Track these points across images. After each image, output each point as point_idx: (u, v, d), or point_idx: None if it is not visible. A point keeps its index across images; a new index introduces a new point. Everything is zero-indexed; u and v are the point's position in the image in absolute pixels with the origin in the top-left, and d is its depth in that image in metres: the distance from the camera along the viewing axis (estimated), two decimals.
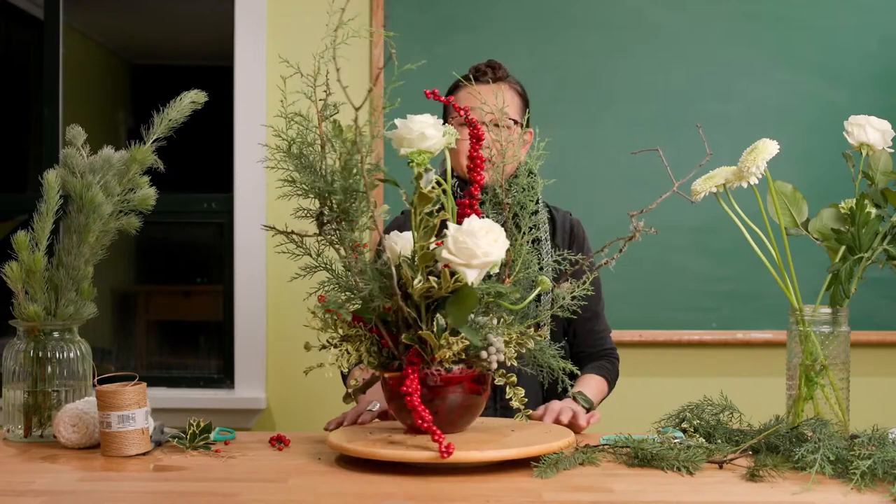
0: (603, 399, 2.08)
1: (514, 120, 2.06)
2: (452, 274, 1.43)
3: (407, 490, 1.33)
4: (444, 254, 1.42)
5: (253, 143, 2.91)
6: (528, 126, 2.14)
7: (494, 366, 1.48)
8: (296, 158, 1.50)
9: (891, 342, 2.93)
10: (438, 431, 1.40)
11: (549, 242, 2.08)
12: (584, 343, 2.14)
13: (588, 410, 1.89)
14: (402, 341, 1.48)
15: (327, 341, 1.53)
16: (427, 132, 1.45)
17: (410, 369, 1.45)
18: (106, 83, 4.18)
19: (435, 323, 1.45)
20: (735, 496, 1.33)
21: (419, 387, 1.44)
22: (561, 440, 1.50)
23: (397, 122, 1.48)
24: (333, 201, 1.49)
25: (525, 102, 2.13)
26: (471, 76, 2.11)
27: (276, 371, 2.94)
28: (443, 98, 1.52)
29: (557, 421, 1.75)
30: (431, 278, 1.43)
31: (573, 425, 1.75)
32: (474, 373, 1.49)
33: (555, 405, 1.81)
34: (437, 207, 1.47)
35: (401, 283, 1.46)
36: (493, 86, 2.08)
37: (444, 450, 1.38)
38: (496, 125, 2.02)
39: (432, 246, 1.46)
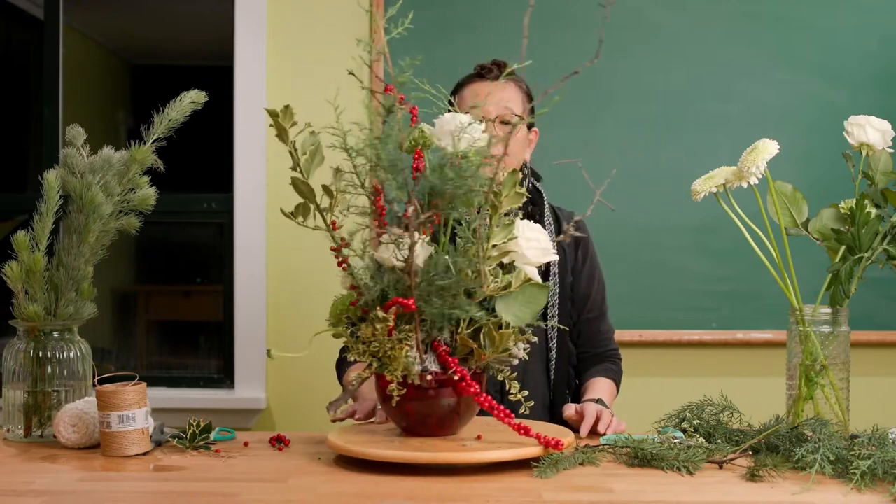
0: (612, 403, 2.09)
1: (519, 116, 2.06)
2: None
3: (407, 490, 1.33)
4: (521, 252, 1.44)
5: (253, 142, 2.91)
6: (533, 126, 2.15)
7: (522, 356, 1.50)
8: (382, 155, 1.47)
9: (891, 342, 2.93)
10: (532, 430, 1.43)
11: (554, 244, 2.08)
12: (589, 343, 2.14)
13: None
14: (462, 339, 1.47)
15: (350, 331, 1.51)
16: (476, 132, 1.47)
17: (463, 371, 1.45)
18: (106, 83, 4.18)
19: (500, 322, 1.47)
20: (735, 496, 1.33)
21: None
22: (561, 441, 1.50)
23: (442, 119, 1.48)
24: (421, 202, 1.48)
25: (531, 101, 2.14)
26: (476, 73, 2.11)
27: (276, 371, 2.94)
28: (402, 97, 1.53)
29: (594, 428, 1.76)
30: (505, 276, 1.46)
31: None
32: (470, 374, 1.49)
33: (591, 408, 1.81)
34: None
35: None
36: (498, 83, 2.08)
37: (553, 444, 1.42)
38: (502, 122, 2.03)
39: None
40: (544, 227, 2.08)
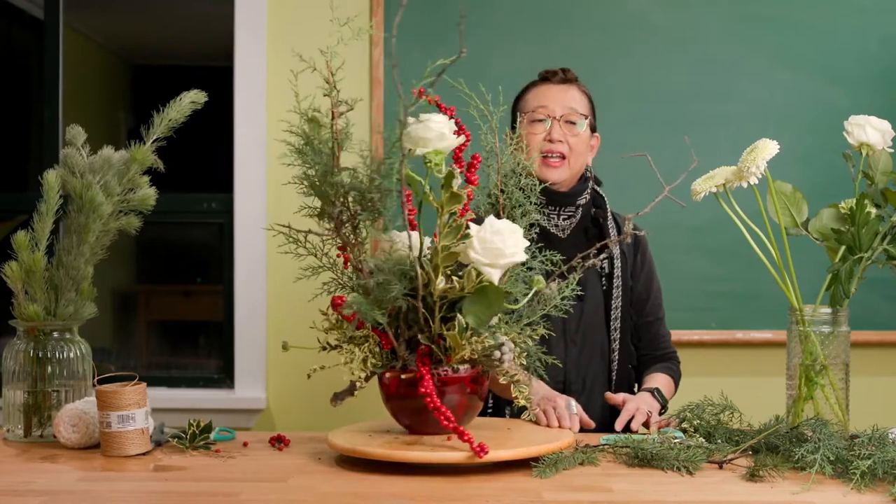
0: (670, 399, 2.10)
1: (584, 115, 2.08)
2: (476, 274, 1.43)
3: (407, 490, 1.33)
4: (472, 254, 1.42)
5: (253, 142, 2.91)
6: (595, 132, 2.17)
7: (507, 365, 1.48)
8: (311, 156, 1.48)
9: (891, 342, 2.93)
10: (467, 432, 1.41)
11: (617, 248, 2.10)
12: (650, 346, 2.17)
13: (663, 408, 1.95)
14: (420, 341, 1.47)
15: (328, 343, 1.52)
16: (445, 132, 1.45)
17: (425, 370, 1.45)
18: (106, 83, 4.18)
19: (456, 323, 1.44)
20: (735, 496, 1.33)
21: (433, 387, 1.44)
22: (561, 440, 1.50)
23: (412, 121, 1.47)
24: (350, 201, 1.48)
25: (593, 106, 2.16)
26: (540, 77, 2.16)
27: (276, 371, 2.94)
28: (430, 98, 1.52)
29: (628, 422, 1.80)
30: (454, 278, 1.44)
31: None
32: (473, 372, 1.49)
33: (631, 404, 1.83)
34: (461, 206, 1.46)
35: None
36: (563, 86, 2.11)
37: (478, 450, 1.38)
38: (567, 122, 2.06)
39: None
40: (608, 231, 2.10)
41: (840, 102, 2.91)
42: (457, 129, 1.53)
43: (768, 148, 1.61)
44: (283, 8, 2.93)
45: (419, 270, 1.43)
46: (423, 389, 1.43)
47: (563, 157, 2.05)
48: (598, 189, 2.19)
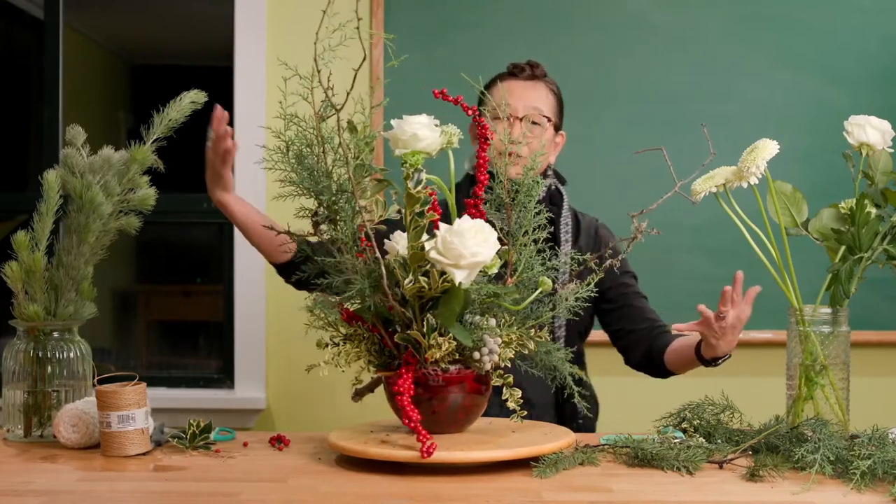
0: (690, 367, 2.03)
1: (547, 117, 2.05)
2: (442, 274, 1.43)
3: (407, 490, 1.33)
4: (433, 254, 1.42)
5: (252, 143, 2.91)
6: (560, 130, 2.14)
7: (488, 367, 1.48)
8: (294, 159, 1.50)
9: (891, 342, 2.93)
10: (424, 431, 1.41)
11: (568, 244, 2.07)
12: (634, 321, 2.12)
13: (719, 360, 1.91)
14: (396, 341, 1.48)
15: (330, 339, 1.53)
16: (420, 133, 1.44)
17: (405, 369, 1.45)
18: (106, 83, 4.18)
19: (426, 323, 1.45)
20: (735, 496, 1.33)
21: (412, 386, 1.44)
22: (560, 440, 1.50)
23: (393, 122, 1.47)
24: (324, 201, 1.50)
25: (560, 104, 2.13)
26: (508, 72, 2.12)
27: (276, 371, 2.94)
28: (451, 98, 1.52)
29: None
30: (422, 278, 1.43)
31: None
32: (475, 372, 1.49)
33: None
34: (426, 207, 1.46)
35: (397, 283, 1.46)
36: (530, 83, 2.08)
37: (425, 450, 1.38)
38: (531, 122, 2.04)
39: (427, 246, 1.46)
40: (560, 228, 2.07)
41: (840, 102, 2.91)
42: (480, 128, 1.53)
43: (768, 148, 1.61)
44: (283, 8, 2.93)
45: (382, 270, 1.44)
46: (395, 387, 1.44)
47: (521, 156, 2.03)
48: (560, 188, 2.15)
